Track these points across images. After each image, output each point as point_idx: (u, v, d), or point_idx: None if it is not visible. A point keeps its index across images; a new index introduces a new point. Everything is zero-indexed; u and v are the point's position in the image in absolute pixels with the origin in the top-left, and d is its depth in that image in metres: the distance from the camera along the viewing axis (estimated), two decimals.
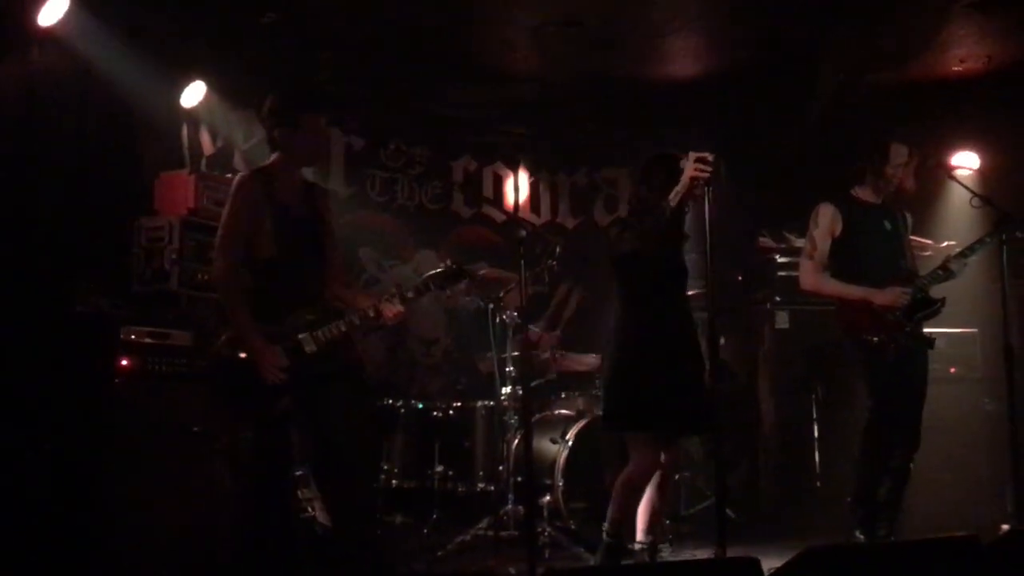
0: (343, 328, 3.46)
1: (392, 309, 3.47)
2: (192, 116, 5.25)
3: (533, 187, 6.99)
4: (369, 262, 6.26)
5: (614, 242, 3.79)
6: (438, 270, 3.60)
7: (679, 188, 3.51)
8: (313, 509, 4.26)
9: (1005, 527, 4.39)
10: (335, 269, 3.64)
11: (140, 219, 4.47)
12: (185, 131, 5.27)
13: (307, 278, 3.51)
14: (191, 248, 4.36)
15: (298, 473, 4.19)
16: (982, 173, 5.78)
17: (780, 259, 5.73)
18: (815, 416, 5.48)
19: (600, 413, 3.96)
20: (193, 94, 5.02)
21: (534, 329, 5.34)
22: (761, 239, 5.91)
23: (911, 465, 4.28)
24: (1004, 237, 3.96)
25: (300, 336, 3.41)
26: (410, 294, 3.54)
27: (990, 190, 4.68)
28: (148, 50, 4.61)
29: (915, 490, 4.50)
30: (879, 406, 4.17)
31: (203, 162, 5.36)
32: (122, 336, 3.90)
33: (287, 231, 3.45)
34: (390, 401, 5.30)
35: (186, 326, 4.13)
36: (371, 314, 3.49)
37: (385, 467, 5.17)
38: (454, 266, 3.58)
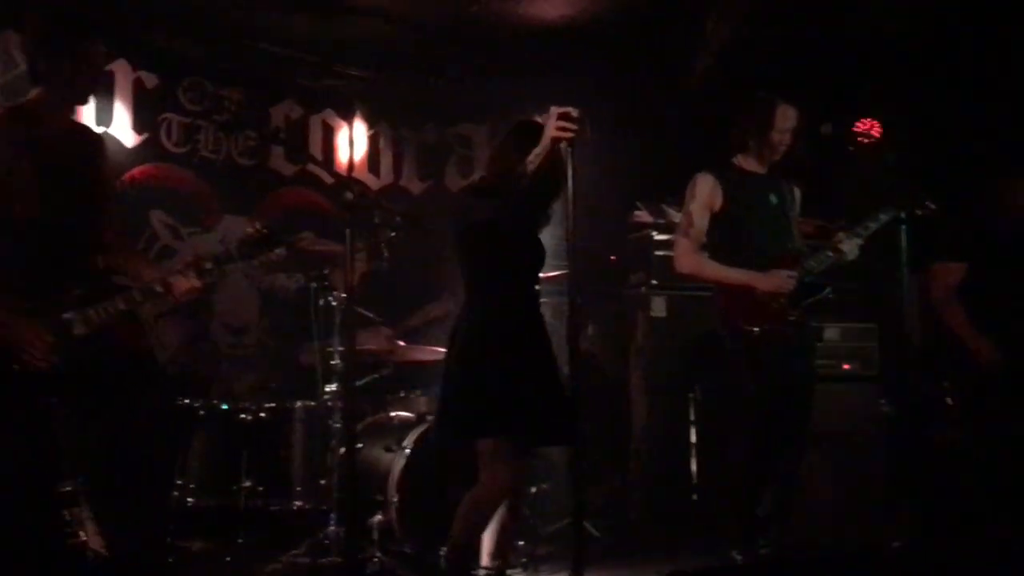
0: (122, 306, 3.37)
1: (184, 284, 3.41)
2: None
3: (372, 142, 6.93)
4: (163, 229, 6.07)
5: (467, 211, 3.79)
6: (244, 235, 3.51)
7: (539, 150, 3.53)
8: (85, 533, 4.10)
9: (897, 544, 4.68)
10: (113, 233, 3.54)
11: None
12: None
13: (76, 243, 3.40)
14: None
15: (66, 489, 4.02)
16: (884, 143, 6.06)
17: (658, 236, 5.84)
18: (692, 418, 5.65)
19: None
20: None
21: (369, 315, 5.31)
22: (636, 213, 6.03)
23: (797, 474, 4.47)
24: (903, 215, 4.13)
25: (66, 315, 3.29)
26: (208, 265, 3.46)
27: (893, 162, 4.92)
28: None
29: (801, 503, 4.70)
30: (760, 407, 4.32)
31: None
32: None
33: (53, 184, 3.34)
34: (187, 401, 5.15)
35: None
36: (158, 289, 3.41)
37: (180, 481, 5.03)
38: (264, 230, 3.50)
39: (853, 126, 6.02)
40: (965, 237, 4.97)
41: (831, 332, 5.17)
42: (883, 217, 4.37)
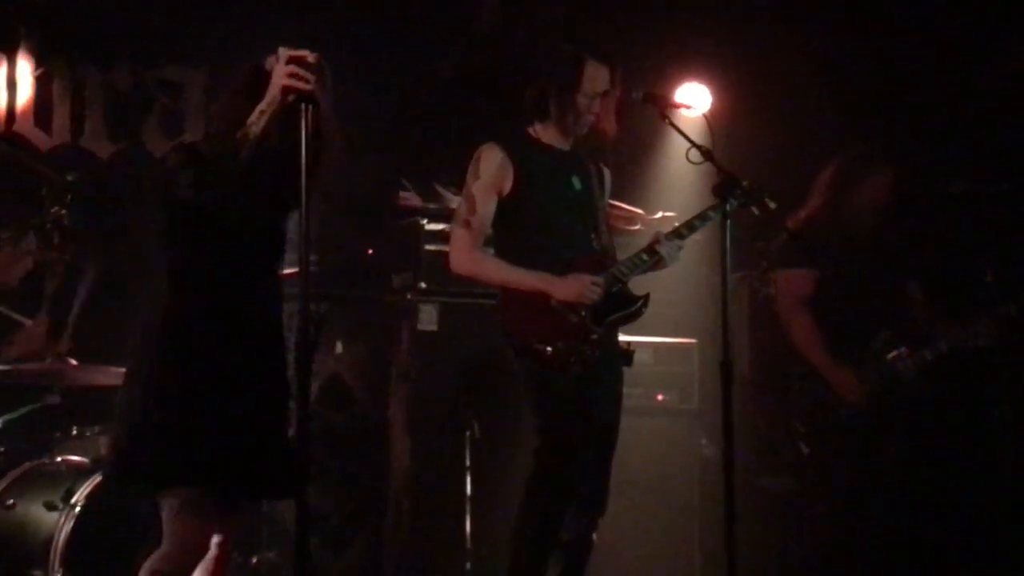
0: None
1: None
2: None
3: (41, 86, 6.69)
4: None
5: (169, 183, 3.69)
6: None
7: (263, 105, 3.50)
8: None
9: None
10: None
11: None
12: None
13: None
14: None
15: None
16: (711, 116, 6.23)
17: (429, 225, 5.86)
18: (468, 464, 5.66)
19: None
20: None
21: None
22: (402, 194, 6.00)
23: (594, 536, 4.52)
24: (727, 208, 4.23)
25: None
26: None
27: (719, 139, 5.04)
28: None
29: (600, 566, 4.79)
30: (550, 448, 4.35)
31: None
32: None
33: None
34: None
35: None
36: None
37: None
38: None
39: (673, 93, 6.22)
40: (814, 237, 5.16)
41: (642, 354, 5.27)
42: (712, 215, 4.45)
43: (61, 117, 6.72)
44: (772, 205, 4.23)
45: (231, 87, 3.83)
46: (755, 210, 4.27)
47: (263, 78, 3.61)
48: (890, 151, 5.39)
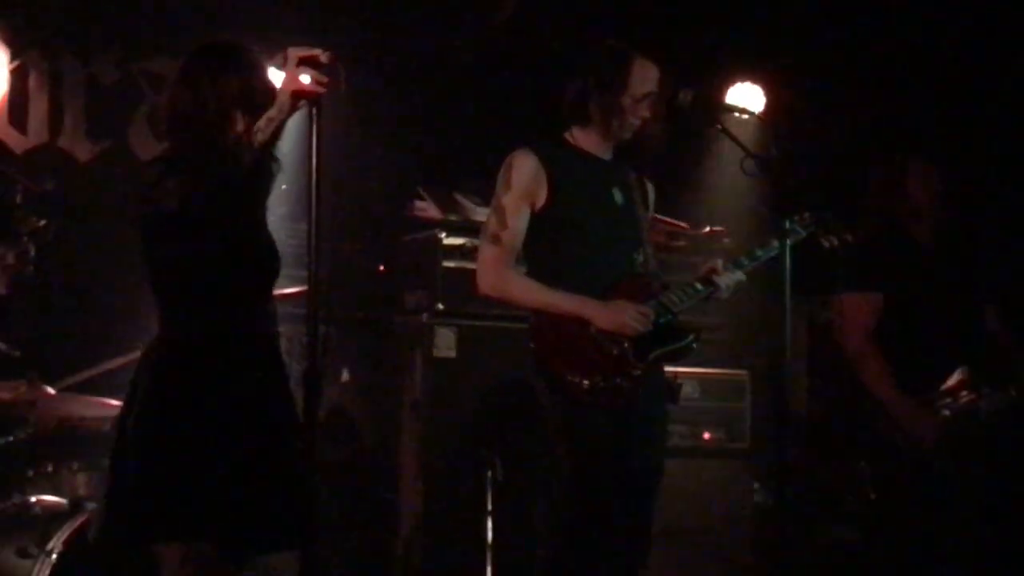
0: None
1: None
2: None
3: (16, 80, 6.74)
4: None
5: (152, 191, 3.70)
6: None
7: (273, 112, 3.52)
8: None
9: None
10: None
11: None
12: None
13: None
14: None
15: None
16: (766, 118, 6.20)
17: (448, 240, 5.85)
18: (490, 508, 5.64)
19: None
20: None
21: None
22: (418, 204, 6.01)
23: None
24: (788, 226, 4.21)
25: None
26: None
27: (776, 146, 5.04)
28: None
29: None
30: (581, 495, 4.31)
31: None
32: None
33: None
34: None
35: None
36: None
37: None
38: None
39: (724, 94, 6.23)
40: (876, 255, 5.17)
41: (688, 386, 5.27)
42: (777, 244, 4.36)
43: (38, 115, 6.77)
44: (849, 238, 4.24)
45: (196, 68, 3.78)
46: (825, 243, 4.28)
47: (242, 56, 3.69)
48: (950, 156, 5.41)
